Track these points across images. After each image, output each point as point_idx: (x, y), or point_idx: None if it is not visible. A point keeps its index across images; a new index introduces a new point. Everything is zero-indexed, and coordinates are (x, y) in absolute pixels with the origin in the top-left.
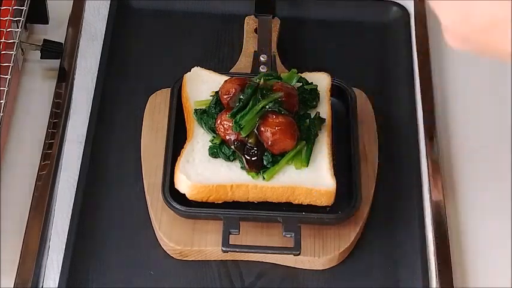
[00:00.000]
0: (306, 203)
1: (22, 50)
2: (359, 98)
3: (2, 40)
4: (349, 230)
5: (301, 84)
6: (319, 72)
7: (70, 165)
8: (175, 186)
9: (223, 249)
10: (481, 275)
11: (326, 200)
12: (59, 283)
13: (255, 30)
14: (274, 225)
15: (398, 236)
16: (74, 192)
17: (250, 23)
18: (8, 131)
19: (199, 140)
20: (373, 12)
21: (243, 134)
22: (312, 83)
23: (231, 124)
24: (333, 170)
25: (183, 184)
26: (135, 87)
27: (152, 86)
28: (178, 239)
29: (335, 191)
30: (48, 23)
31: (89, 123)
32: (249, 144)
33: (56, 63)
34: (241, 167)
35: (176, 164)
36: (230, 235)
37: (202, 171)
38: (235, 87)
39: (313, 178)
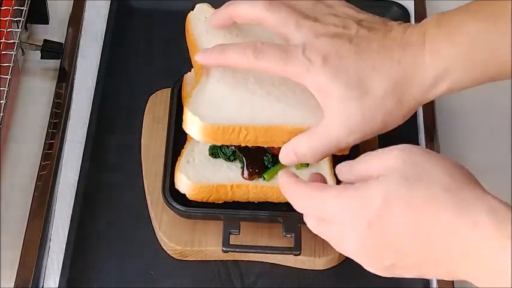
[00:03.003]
0: None
1: (22, 50)
2: None
3: (2, 40)
4: None
5: None
6: None
7: (70, 165)
8: (176, 186)
9: (224, 249)
10: None
11: None
12: (59, 283)
13: None
14: (274, 226)
15: None
16: (74, 193)
17: None
18: (8, 131)
19: None
20: (373, 12)
21: None
22: None
23: None
24: (333, 170)
25: (183, 184)
26: (135, 87)
27: (152, 86)
28: (179, 239)
29: None
30: (48, 23)
31: (89, 123)
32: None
33: (56, 63)
34: (241, 167)
35: (176, 164)
36: (230, 235)
37: (203, 172)
38: None
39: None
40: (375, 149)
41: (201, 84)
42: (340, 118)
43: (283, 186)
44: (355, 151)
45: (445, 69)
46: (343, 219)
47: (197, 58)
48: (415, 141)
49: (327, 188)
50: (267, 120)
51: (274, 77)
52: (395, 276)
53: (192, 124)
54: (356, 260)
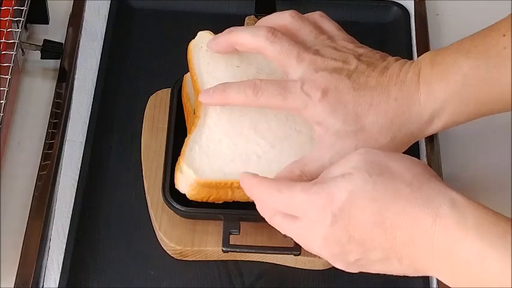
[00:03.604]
0: None
1: (22, 50)
2: None
3: (2, 40)
4: None
5: None
6: None
7: (70, 165)
8: (175, 186)
9: (224, 249)
10: None
11: None
12: (59, 283)
13: None
14: None
15: None
16: (74, 192)
17: (250, 23)
18: (8, 131)
19: None
20: (373, 12)
21: None
22: None
23: None
24: None
25: (183, 184)
26: (135, 87)
27: (152, 86)
28: (179, 239)
29: None
30: (48, 23)
31: (89, 123)
32: None
33: (56, 63)
34: None
35: (176, 164)
36: (230, 235)
37: None
38: None
39: None
40: None
41: (197, 130)
42: (334, 150)
43: (247, 187)
44: None
45: (439, 107)
46: (309, 214)
47: (200, 99)
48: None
49: (295, 183)
50: (259, 171)
51: (270, 121)
52: (360, 271)
53: (188, 176)
54: (322, 256)
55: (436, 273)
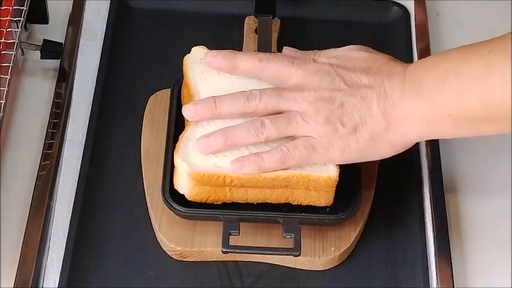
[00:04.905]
0: (305, 204)
1: (22, 50)
2: None
3: (2, 40)
4: (349, 230)
5: None
6: None
7: (70, 165)
8: (174, 187)
9: (223, 250)
10: (481, 275)
11: (325, 199)
12: (59, 283)
13: (255, 30)
14: (274, 226)
15: (399, 236)
16: (74, 192)
17: (250, 23)
18: (8, 131)
19: None
20: (373, 12)
21: None
22: None
23: None
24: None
25: (182, 184)
26: (135, 87)
27: (152, 86)
28: (179, 240)
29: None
30: (48, 23)
31: (89, 123)
32: None
33: (56, 63)
34: None
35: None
36: (230, 236)
37: None
38: None
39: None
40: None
41: (191, 129)
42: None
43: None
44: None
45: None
46: (305, 69)
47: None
48: None
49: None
50: None
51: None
52: (338, 122)
53: (181, 169)
54: (307, 107)
55: (407, 115)
